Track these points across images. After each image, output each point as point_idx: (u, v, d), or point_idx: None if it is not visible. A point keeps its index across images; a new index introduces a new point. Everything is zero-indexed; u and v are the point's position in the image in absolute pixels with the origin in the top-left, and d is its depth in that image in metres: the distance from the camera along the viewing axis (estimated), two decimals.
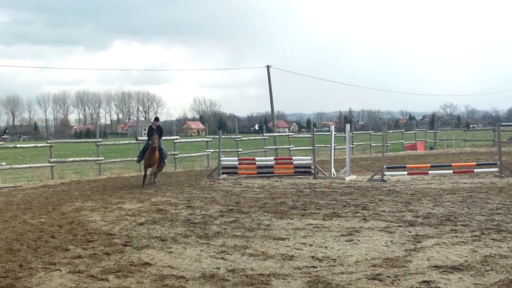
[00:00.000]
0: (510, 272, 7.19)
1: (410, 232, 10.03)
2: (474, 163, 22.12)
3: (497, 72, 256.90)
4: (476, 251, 8.40)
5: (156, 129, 19.43)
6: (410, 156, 34.65)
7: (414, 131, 48.84)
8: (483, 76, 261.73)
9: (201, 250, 8.82)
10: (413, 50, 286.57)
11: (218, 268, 7.66)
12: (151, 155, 19.10)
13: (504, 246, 8.72)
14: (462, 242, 9.10)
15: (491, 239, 9.21)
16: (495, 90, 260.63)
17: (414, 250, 8.60)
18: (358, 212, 12.30)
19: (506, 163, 22.09)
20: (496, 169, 19.69)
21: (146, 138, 20.47)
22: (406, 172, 19.98)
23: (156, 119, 20.29)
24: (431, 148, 45.01)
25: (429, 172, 19.88)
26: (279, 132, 58.76)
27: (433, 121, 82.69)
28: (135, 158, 22.06)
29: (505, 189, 15.83)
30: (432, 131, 51.65)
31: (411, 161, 29.97)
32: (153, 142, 18.88)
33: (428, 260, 7.95)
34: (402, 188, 16.81)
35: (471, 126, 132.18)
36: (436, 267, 7.55)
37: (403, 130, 51.49)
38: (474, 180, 18.78)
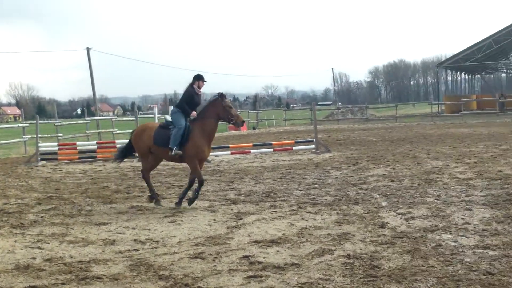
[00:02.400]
0: (323, 242, 7.63)
1: (232, 210, 10.28)
2: (293, 141, 23.15)
3: (314, 55, 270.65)
4: (293, 225, 8.81)
5: None
6: (234, 137, 35.48)
7: (237, 112, 50.03)
8: (301, 58, 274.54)
9: (15, 241, 8.34)
10: (236, 33, 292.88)
11: (34, 258, 7.30)
12: None
13: (319, 218, 9.24)
14: (281, 216, 9.49)
15: (307, 212, 9.72)
16: (312, 71, 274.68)
17: (235, 227, 8.83)
18: None
19: (322, 140, 23.37)
20: (312, 146, 20.74)
21: None
22: (229, 152, 20.39)
23: None
24: (254, 128, 46.41)
25: (252, 151, 20.46)
26: (102, 116, 57.31)
27: (255, 102, 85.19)
28: None
29: (320, 165, 16.75)
30: (254, 111, 53.29)
31: (234, 141, 30.72)
32: None
33: (249, 236, 8.20)
34: (226, 168, 17.17)
35: (291, 106, 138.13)
36: (256, 242, 7.80)
37: None
38: (293, 157, 19.66)
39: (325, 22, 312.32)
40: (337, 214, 9.53)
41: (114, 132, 34.09)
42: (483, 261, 6.52)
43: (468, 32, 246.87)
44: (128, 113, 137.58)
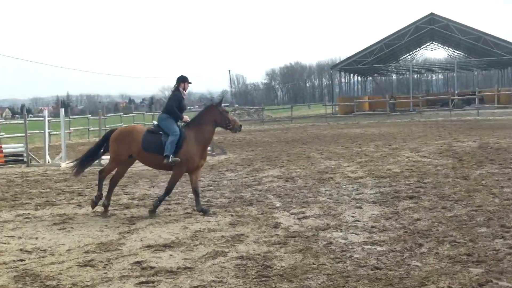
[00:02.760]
0: (217, 244, 7.61)
1: (125, 214, 10.08)
2: None
3: (211, 57, 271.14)
4: (187, 228, 8.74)
5: None
6: None
7: (133, 114, 49.28)
8: (198, 60, 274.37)
9: None
10: (131, 33, 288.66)
11: None
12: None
13: (213, 220, 9.22)
14: (175, 220, 9.40)
15: (201, 215, 9.66)
16: (209, 73, 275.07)
17: (128, 232, 8.64)
18: (73, 199, 11.99)
19: (217, 142, 23.39)
20: (208, 148, 20.62)
21: None
22: None
23: None
24: None
25: None
26: None
27: (152, 104, 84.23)
28: None
29: (216, 167, 16.75)
30: (150, 113, 52.57)
31: None
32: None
33: (142, 240, 8.05)
34: None
35: (188, 107, 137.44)
36: (149, 246, 7.68)
37: (122, 114, 51.68)
38: None
39: (221, 24, 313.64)
40: (231, 215, 9.55)
41: (1, 136, 32.57)
42: (371, 257, 6.72)
43: (361, 36, 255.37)
44: (17, 116, 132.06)
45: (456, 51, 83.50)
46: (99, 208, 10.34)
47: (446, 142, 20.84)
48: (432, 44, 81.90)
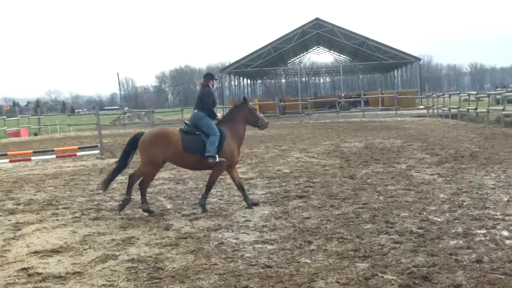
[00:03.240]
0: (107, 248, 7.49)
1: (10, 220, 9.67)
2: (77, 147, 22.39)
3: (98, 60, 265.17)
4: (76, 232, 8.52)
5: None
6: (14, 143, 33.37)
7: (17, 118, 47.33)
8: (85, 63, 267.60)
9: None
10: (13, 33, 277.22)
11: None
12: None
13: (103, 224, 9.05)
14: (63, 224, 9.14)
15: (90, 219, 9.46)
16: (97, 76, 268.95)
17: (13, 238, 8.32)
18: None
19: (107, 145, 22.93)
20: (97, 152, 20.25)
21: None
22: (8, 160, 19.15)
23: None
24: (36, 134, 44.16)
25: (32, 158, 19.40)
26: None
27: (37, 107, 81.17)
28: None
29: (106, 170, 16.36)
30: (36, 117, 50.63)
31: (14, 148, 28.86)
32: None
33: (28, 246, 7.78)
34: (4, 177, 16.10)
35: (76, 111, 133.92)
36: (36, 252, 7.43)
37: (5, 117, 49.53)
38: (77, 163, 19.02)
39: (109, 26, 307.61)
40: (122, 219, 9.41)
41: None
42: (262, 255, 6.85)
43: (251, 40, 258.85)
44: None
45: (341, 55, 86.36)
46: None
47: (334, 143, 21.50)
48: (319, 48, 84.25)
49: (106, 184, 10.19)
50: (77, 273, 6.41)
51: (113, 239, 7.96)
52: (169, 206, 10.36)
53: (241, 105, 10.74)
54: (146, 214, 9.70)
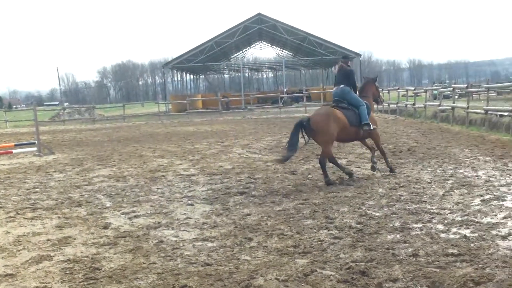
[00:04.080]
0: (41, 249, 7.27)
1: None
2: (13, 144, 21.77)
3: (37, 54, 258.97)
4: (9, 233, 8.24)
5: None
6: None
7: None
8: (23, 57, 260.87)
9: None
10: None
11: None
12: None
13: (38, 223, 8.78)
14: None
15: (25, 219, 9.17)
16: (36, 70, 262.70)
17: None
18: None
19: (45, 142, 22.39)
20: (35, 149, 19.74)
21: None
22: None
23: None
24: None
25: None
26: None
27: None
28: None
29: (43, 168, 16.00)
30: None
31: None
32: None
33: None
34: None
35: (14, 106, 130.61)
36: None
37: None
38: (13, 161, 18.50)
39: (48, 20, 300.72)
40: (59, 218, 9.15)
41: None
42: (202, 253, 6.77)
43: (194, 36, 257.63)
44: None
45: (284, 50, 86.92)
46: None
47: (276, 139, 21.58)
48: (261, 44, 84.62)
49: (284, 160, 11.34)
50: (9, 275, 6.19)
51: (48, 239, 7.73)
52: (108, 204, 10.15)
53: (370, 81, 12.60)
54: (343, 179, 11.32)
